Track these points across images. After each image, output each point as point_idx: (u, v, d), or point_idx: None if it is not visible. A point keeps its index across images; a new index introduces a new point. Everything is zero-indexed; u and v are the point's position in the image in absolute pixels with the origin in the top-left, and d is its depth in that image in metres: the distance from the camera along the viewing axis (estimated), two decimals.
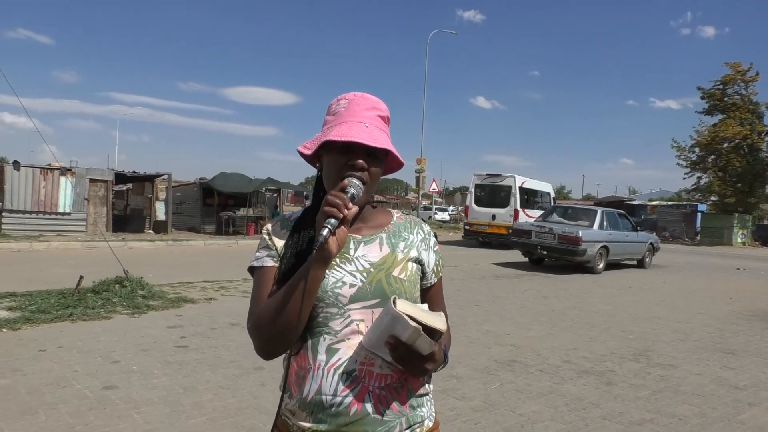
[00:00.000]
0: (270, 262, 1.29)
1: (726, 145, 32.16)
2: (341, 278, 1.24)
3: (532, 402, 4.32)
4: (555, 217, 15.21)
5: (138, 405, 3.85)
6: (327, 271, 1.23)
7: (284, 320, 1.17)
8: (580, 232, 13.30)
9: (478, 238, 20.61)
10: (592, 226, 14.00)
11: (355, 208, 1.18)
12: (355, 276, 1.25)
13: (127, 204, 23.19)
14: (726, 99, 32.85)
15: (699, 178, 33.96)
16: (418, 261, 1.35)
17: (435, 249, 1.41)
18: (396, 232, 1.36)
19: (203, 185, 21.68)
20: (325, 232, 1.13)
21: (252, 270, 1.33)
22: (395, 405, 1.24)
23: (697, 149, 33.33)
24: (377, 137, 1.24)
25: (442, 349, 1.23)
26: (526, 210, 19.71)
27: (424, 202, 36.75)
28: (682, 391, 4.77)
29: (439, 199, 53.60)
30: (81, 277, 7.23)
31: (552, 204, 20.85)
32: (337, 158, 1.25)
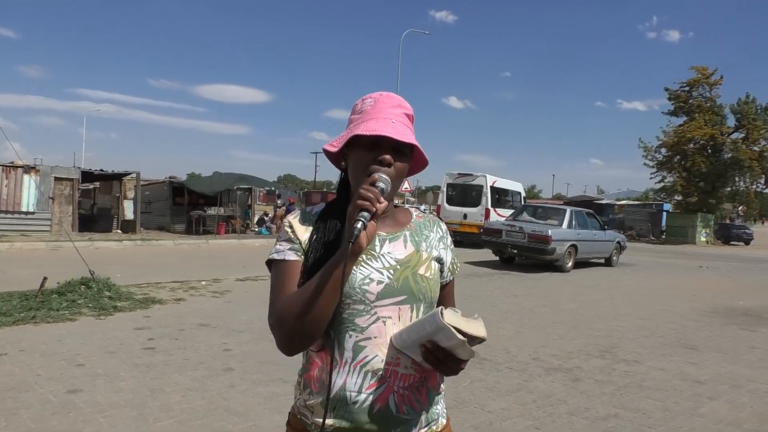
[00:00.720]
0: (293, 256, 1.27)
1: (691, 145, 32.96)
2: (369, 275, 1.24)
3: (500, 399, 4.37)
4: (525, 216, 15.40)
5: (103, 408, 3.78)
6: (354, 268, 1.23)
7: (315, 314, 1.16)
8: (549, 231, 13.49)
9: None
10: (561, 225, 14.21)
11: (386, 203, 1.18)
12: (382, 273, 1.26)
13: (94, 203, 22.73)
14: (691, 101, 33.70)
15: (664, 177, 34.74)
16: (439, 260, 1.37)
17: (451, 248, 1.43)
18: (418, 231, 1.37)
19: (173, 184, 21.38)
20: (359, 224, 1.12)
21: (270, 263, 1.30)
22: (416, 404, 1.26)
23: (663, 149, 34.08)
24: (404, 133, 1.25)
25: None
26: (497, 209, 19.91)
27: (396, 201, 36.88)
28: (646, 386, 4.88)
29: (412, 198, 53.74)
30: (45, 278, 7.07)
31: (522, 203, 21.10)
32: (365, 154, 1.25)
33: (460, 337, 1.11)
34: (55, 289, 7.19)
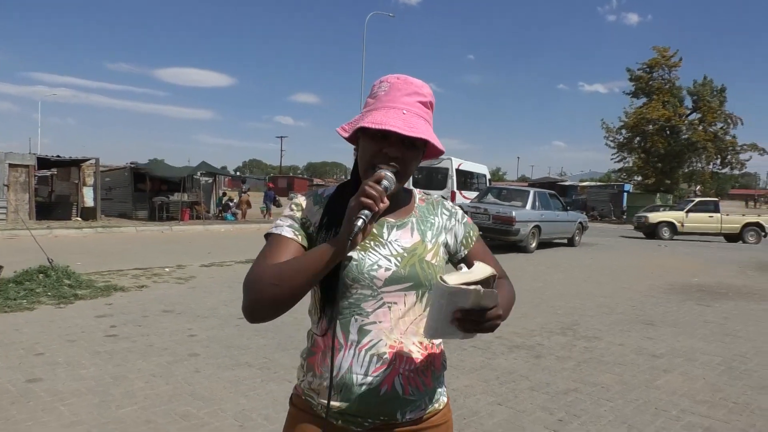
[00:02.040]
0: (289, 233, 1.28)
1: (651, 127, 33.73)
2: (377, 261, 1.26)
3: (464, 377, 4.45)
4: (490, 198, 15.57)
5: (64, 397, 3.72)
6: (363, 253, 1.25)
7: (287, 291, 1.16)
8: (513, 213, 13.68)
9: None
10: (525, 206, 14.43)
11: (387, 203, 1.16)
12: (389, 260, 1.27)
13: (52, 190, 22.12)
14: (651, 82, 34.41)
15: (624, 158, 35.53)
16: (445, 244, 1.37)
17: (464, 222, 1.42)
18: (423, 217, 1.37)
19: (134, 170, 20.94)
20: (359, 222, 1.11)
21: (268, 236, 1.31)
22: (422, 385, 1.29)
23: (624, 131, 34.80)
24: (414, 125, 1.22)
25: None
26: (462, 191, 20.06)
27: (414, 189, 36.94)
28: (605, 361, 5.03)
29: None
30: (0, 267, 6.88)
31: (488, 185, 21.31)
32: (372, 144, 1.24)
33: (472, 287, 1.09)
34: (11, 278, 7.00)
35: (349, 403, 1.24)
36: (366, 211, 1.12)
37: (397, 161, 1.23)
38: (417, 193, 1.42)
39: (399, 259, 1.27)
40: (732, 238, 20.73)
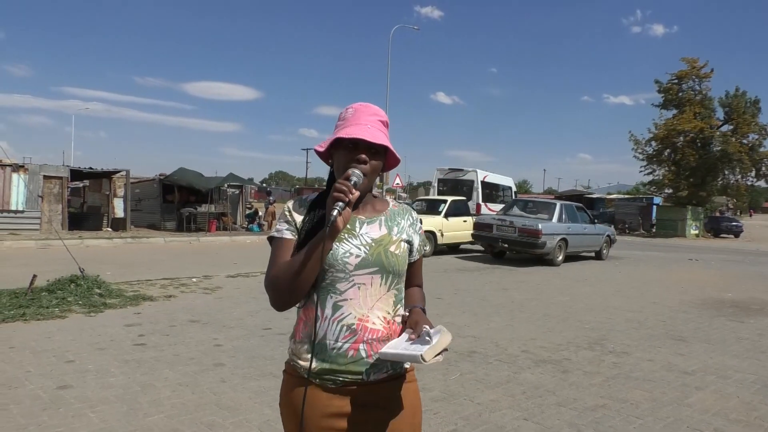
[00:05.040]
0: (288, 235, 1.59)
1: (681, 139, 33.07)
2: (349, 250, 1.55)
3: (490, 391, 4.40)
4: (516, 210, 15.41)
5: (93, 404, 3.78)
6: (337, 243, 1.54)
7: (302, 279, 1.49)
8: (539, 225, 13.53)
9: None
10: (551, 219, 14.26)
11: (357, 193, 1.49)
12: (360, 249, 1.57)
13: (84, 201, 22.60)
14: (681, 94, 33.76)
15: (653, 170, 34.81)
16: (408, 242, 1.68)
17: (419, 233, 1.74)
18: (391, 217, 1.68)
19: (163, 181, 21.29)
20: (334, 213, 1.44)
21: (271, 239, 1.62)
22: None
23: (653, 143, 34.16)
24: (377, 136, 1.55)
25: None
26: (488, 204, 19.96)
27: (388, 197, 36.85)
28: (634, 377, 4.93)
29: (403, 194, 53.72)
30: (34, 276, 7.04)
31: (513, 198, 21.15)
32: (345, 153, 1.56)
33: (441, 356, 1.47)
34: (44, 287, 7.16)
35: (324, 364, 1.54)
36: (339, 203, 1.44)
37: (365, 164, 1.54)
38: (391, 201, 1.76)
39: (368, 248, 1.58)
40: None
